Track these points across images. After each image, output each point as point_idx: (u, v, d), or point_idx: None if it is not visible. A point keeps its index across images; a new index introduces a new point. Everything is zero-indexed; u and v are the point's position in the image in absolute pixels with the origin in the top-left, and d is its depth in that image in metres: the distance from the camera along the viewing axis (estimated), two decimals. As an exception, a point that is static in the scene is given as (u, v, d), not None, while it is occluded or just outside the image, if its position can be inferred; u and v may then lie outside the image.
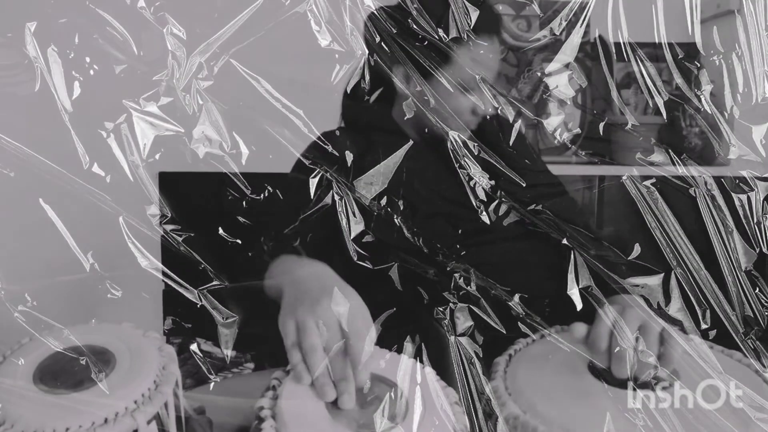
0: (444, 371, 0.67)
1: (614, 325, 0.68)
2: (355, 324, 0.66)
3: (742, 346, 0.66)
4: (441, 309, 0.68)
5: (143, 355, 0.66)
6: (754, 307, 0.66)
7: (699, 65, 0.70)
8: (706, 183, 0.68)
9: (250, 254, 0.90)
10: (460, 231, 1.03)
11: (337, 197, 0.72)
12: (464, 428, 0.62)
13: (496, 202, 0.79)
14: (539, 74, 1.93)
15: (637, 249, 0.72)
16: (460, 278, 0.74)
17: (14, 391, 0.61)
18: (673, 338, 0.66)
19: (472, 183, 0.77)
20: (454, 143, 0.76)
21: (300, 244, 0.96)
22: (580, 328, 0.71)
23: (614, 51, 0.73)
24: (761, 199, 0.66)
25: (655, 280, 0.69)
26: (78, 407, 0.59)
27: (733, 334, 0.66)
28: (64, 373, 0.63)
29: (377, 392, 0.62)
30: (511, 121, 0.80)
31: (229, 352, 0.66)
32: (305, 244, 0.97)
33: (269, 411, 0.61)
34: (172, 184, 1.36)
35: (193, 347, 0.68)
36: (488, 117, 1.04)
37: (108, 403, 0.59)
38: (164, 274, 0.64)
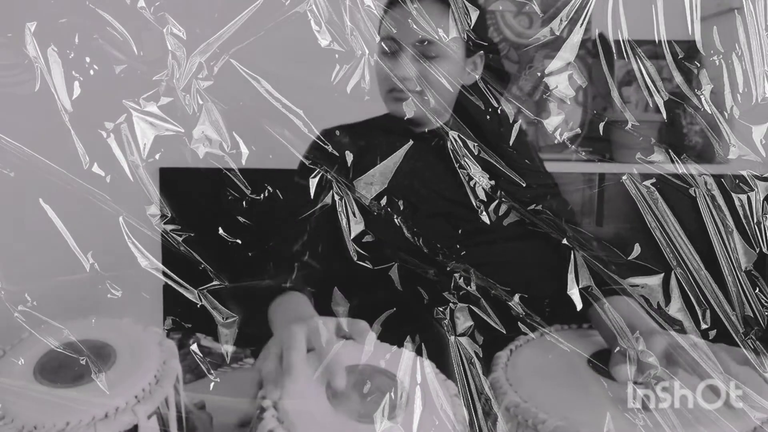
0: (444, 371, 0.67)
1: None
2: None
3: (742, 346, 0.66)
4: (441, 309, 0.68)
5: (144, 350, 0.66)
6: (754, 307, 0.66)
7: (699, 65, 0.70)
8: (706, 183, 0.68)
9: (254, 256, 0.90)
10: (460, 231, 1.03)
11: (337, 197, 0.72)
12: (463, 419, 0.62)
13: (496, 202, 0.79)
14: (540, 73, 1.93)
15: (637, 249, 0.72)
16: (460, 278, 0.74)
17: (14, 386, 0.61)
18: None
19: (472, 183, 0.77)
20: (454, 143, 0.76)
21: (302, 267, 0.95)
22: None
23: (615, 49, 0.73)
24: (761, 199, 0.66)
25: (655, 280, 0.69)
26: (78, 402, 0.59)
27: (733, 334, 0.66)
28: (64, 368, 0.63)
29: (378, 384, 0.63)
30: (511, 121, 0.80)
31: (229, 350, 0.66)
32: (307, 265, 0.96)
33: (271, 402, 0.62)
34: (172, 181, 1.36)
35: (193, 347, 0.68)
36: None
37: (108, 398, 0.59)
38: (164, 274, 0.64)
